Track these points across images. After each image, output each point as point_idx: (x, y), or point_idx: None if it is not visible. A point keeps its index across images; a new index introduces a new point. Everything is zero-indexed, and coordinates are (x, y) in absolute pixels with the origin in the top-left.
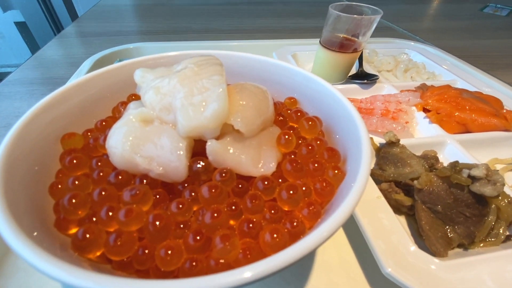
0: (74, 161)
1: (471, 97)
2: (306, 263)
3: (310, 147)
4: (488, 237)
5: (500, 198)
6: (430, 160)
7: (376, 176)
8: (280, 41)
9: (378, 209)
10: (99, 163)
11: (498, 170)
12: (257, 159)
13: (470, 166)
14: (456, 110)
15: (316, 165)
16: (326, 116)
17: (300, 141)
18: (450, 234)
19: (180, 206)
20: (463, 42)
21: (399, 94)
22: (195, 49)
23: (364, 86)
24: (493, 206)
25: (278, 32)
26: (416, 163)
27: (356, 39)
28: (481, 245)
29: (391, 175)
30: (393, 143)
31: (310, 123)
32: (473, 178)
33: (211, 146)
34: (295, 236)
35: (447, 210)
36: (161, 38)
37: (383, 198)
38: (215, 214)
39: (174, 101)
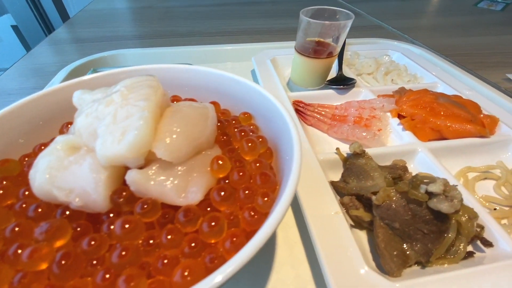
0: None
1: (447, 102)
2: (263, 278)
3: (241, 173)
4: (447, 253)
5: (461, 213)
6: (397, 171)
7: (339, 189)
8: (260, 45)
9: (334, 226)
10: (26, 193)
11: (465, 181)
12: (184, 188)
13: (429, 181)
14: (431, 116)
15: (246, 192)
16: (276, 133)
17: (237, 164)
18: (408, 252)
19: (92, 242)
20: (454, 39)
21: (373, 100)
22: (169, 55)
23: (341, 91)
24: (454, 221)
25: (263, 34)
26: (378, 176)
27: (332, 43)
28: (440, 262)
29: (353, 188)
30: (358, 154)
31: (249, 144)
32: (431, 194)
33: (131, 176)
34: (213, 270)
35: (405, 227)
36: (145, 43)
37: (341, 214)
38: (123, 253)
39: (98, 128)
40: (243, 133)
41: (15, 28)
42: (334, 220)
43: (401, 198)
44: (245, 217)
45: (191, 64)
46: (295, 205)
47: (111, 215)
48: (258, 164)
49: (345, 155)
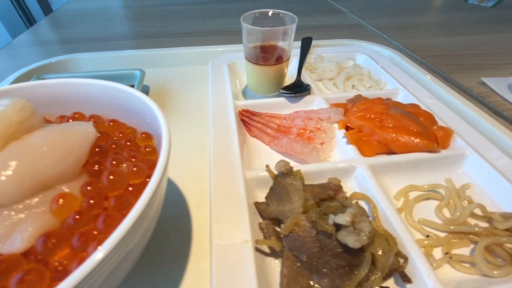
0: None
1: (399, 112)
2: None
3: (77, 216)
4: None
5: (376, 245)
6: (328, 192)
7: (260, 211)
8: (221, 47)
9: (238, 257)
10: None
11: (405, 201)
12: (9, 233)
13: (340, 210)
14: (378, 128)
15: (80, 239)
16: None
17: (91, 202)
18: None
19: None
20: (436, 39)
21: (321, 110)
22: (124, 59)
23: (292, 100)
24: (368, 253)
25: (235, 34)
26: (297, 200)
27: (282, 47)
28: None
29: (272, 212)
30: (284, 173)
31: (111, 177)
32: (340, 226)
33: None
34: None
35: (313, 260)
36: (112, 45)
37: (250, 243)
38: None
39: None
40: (114, 161)
41: None
42: (240, 250)
43: (311, 227)
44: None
45: (142, 70)
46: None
47: None
48: (117, 203)
49: (276, 173)
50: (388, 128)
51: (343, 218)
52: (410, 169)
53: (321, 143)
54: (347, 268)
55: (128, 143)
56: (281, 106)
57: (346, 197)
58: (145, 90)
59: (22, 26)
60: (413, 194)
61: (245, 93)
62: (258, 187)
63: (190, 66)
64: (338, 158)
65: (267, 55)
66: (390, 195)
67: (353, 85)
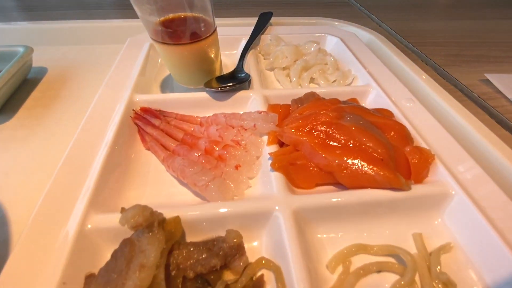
0: None
1: (356, 124)
2: None
3: None
4: None
5: None
6: (211, 261)
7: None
8: None
9: None
10: None
11: (344, 274)
12: None
13: None
14: (321, 148)
15: None
16: None
17: None
18: None
19: None
20: (433, 24)
21: (246, 115)
22: (14, 34)
23: (220, 96)
24: None
25: None
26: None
27: (203, 16)
28: None
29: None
30: (136, 228)
31: None
32: None
33: None
34: None
35: None
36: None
37: None
38: None
39: None
40: None
41: None
42: None
43: None
44: None
45: (28, 47)
46: None
47: None
48: None
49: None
50: (335, 148)
51: None
52: (360, 216)
53: (236, 167)
54: None
55: None
56: (207, 104)
57: (247, 266)
58: (38, 74)
59: None
60: (358, 261)
61: (171, 85)
62: (109, 242)
63: (106, 45)
64: (257, 192)
65: (177, 30)
66: (321, 262)
67: (312, 78)
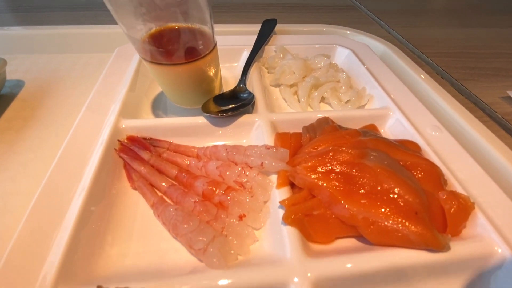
0: None
1: (381, 164)
2: None
3: None
4: None
5: None
6: None
7: None
8: None
9: None
10: None
11: None
12: None
13: None
14: (343, 195)
15: None
16: None
17: None
18: None
19: None
20: (445, 31)
21: (250, 150)
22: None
23: (220, 121)
24: None
25: None
26: None
27: (200, 29)
28: None
29: None
30: None
31: None
32: None
33: None
34: None
35: None
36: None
37: None
38: None
39: None
40: None
41: None
42: None
43: None
44: None
45: (2, 59)
46: None
47: None
48: None
49: None
50: (359, 196)
51: None
52: (393, 284)
53: (240, 217)
54: None
55: None
56: (204, 131)
57: None
58: (13, 88)
59: None
60: None
61: (164, 103)
62: None
63: (92, 54)
64: (269, 248)
65: (170, 47)
66: None
67: (323, 97)
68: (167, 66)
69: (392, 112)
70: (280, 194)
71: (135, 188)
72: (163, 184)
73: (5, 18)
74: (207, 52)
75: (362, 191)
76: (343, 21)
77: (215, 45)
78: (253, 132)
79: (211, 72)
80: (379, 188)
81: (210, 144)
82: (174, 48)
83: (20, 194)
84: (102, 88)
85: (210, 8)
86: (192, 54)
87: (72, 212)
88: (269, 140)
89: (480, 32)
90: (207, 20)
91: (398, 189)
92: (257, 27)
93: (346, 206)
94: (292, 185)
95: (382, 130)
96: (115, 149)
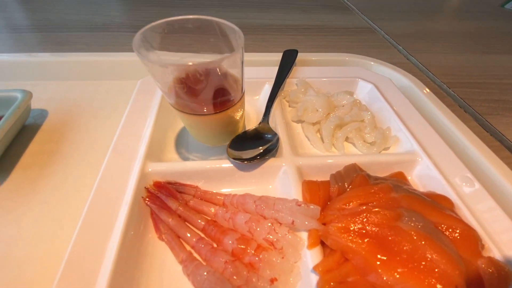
0: None
1: (416, 228)
2: None
3: None
4: None
5: None
6: None
7: None
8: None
9: None
10: None
11: None
12: None
13: None
14: (380, 263)
15: None
16: None
17: None
18: None
19: None
20: (464, 57)
21: (279, 205)
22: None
23: (248, 166)
24: None
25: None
26: None
27: (230, 83)
28: None
29: None
30: None
31: None
32: None
33: None
34: None
35: None
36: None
37: None
38: None
39: None
40: None
41: None
42: None
43: None
44: None
45: (26, 91)
46: None
47: None
48: None
49: None
50: (395, 264)
51: None
52: None
53: (271, 280)
54: None
55: None
56: (230, 175)
57: None
58: (37, 118)
59: None
60: None
61: (186, 139)
62: None
63: (114, 81)
64: None
65: (201, 100)
66: None
67: (348, 138)
68: (196, 116)
69: (420, 158)
70: (312, 254)
71: (162, 239)
72: (191, 237)
73: (25, 38)
74: (236, 102)
75: (398, 258)
76: (361, 45)
77: (243, 92)
78: (279, 177)
79: (238, 116)
80: (416, 256)
81: (236, 189)
82: (206, 100)
83: (45, 240)
84: (127, 127)
85: (243, 64)
86: (222, 105)
87: (105, 270)
88: (296, 187)
89: (500, 59)
90: (239, 74)
91: (437, 258)
92: (276, 56)
93: (383, 275)
94: (322, 243)
95: (409, 177)
96: (142, 197)
